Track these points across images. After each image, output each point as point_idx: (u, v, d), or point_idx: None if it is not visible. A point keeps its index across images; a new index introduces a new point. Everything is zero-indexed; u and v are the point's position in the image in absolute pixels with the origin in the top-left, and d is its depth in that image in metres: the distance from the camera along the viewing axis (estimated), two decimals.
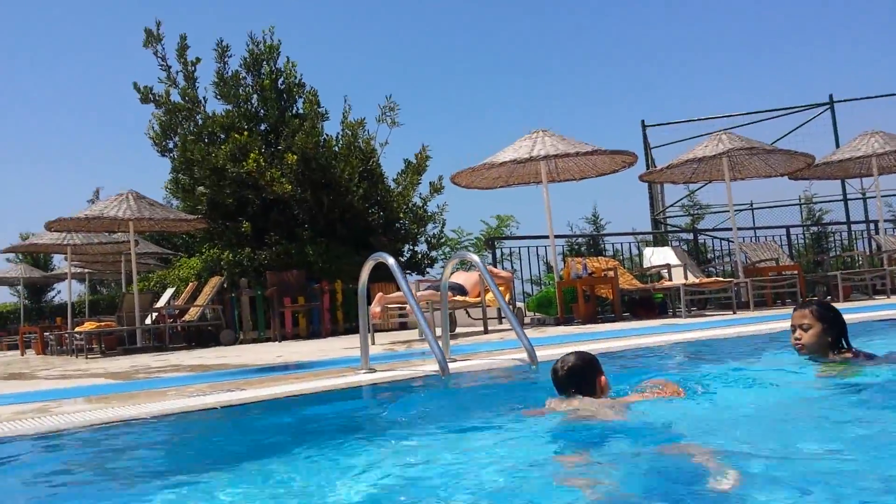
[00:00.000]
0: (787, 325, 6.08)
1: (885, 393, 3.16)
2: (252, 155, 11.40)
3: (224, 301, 12.03)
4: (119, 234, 14.57)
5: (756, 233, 15.63)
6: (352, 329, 12.12)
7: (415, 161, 12.71)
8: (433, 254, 13.19)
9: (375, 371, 4.64)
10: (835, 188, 18.63)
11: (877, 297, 10.87)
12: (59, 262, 27.78)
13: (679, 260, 10.97)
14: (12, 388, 5.84)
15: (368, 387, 4.17)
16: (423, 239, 12.96)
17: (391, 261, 4.55)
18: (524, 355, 4.82)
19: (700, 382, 3.71)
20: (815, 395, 3.32)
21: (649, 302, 10.58)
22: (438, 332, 9.10)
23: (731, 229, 13.46)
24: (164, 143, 13.29)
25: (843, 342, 3.67)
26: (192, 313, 11.93)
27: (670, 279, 10.27)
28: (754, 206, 20.65)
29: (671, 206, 20.79)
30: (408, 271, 12.99)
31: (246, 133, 11.65)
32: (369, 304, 8.59)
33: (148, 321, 12.63)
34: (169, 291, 13.03)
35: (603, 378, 3.00)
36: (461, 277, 9.36)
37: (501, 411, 3.33)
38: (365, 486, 2.17)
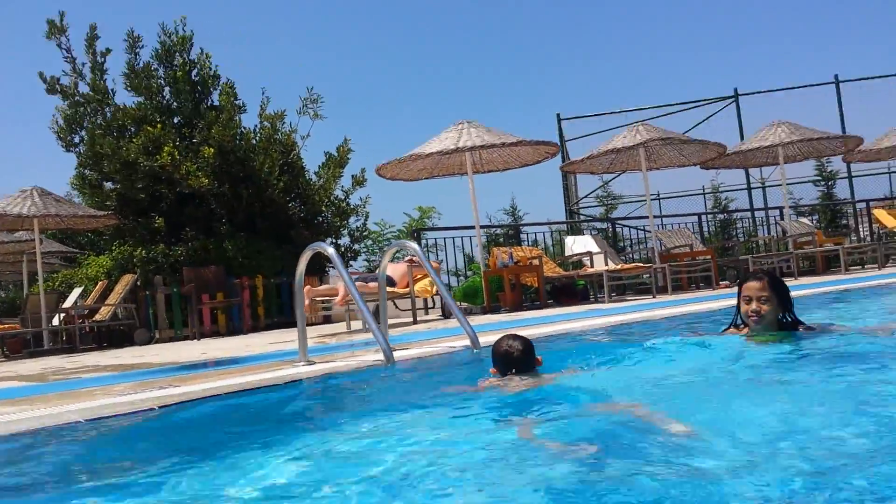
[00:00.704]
0: (703, 307, 6.32)
1: (825, 358, 3.31)
2: (166, 148, 10.97)
3: (138, 299, 11.56)
4: (21, 232, 13.79)
5: (663, 221, 16.15)
6: (273, 325, 11.86)
7: (336, 154, 12.52)
8: (356, 247, 13.04)
9: (315, 363, 4.54)
10: (738, 178, 19.52)
11: (785, 279, 11.43)
12: None
13: (599, 248, 11.24)
14: None
15: (312, 378, 4.07)
16: (345, 232, 12.79)
17: (331, 251, 4.46)
18: (463, 342, 4.85)
19: (630, 358, 3.87)
20: (756, 362, 3.44)
21: (571, 289, 10.80)
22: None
23: (645, 217, 13.90)
24: (69, 137, 12.62)
25: (790, 314, 3.78)
26: (104, 313, 11.41)
27: (592, 266, 10.50)
28: (661, 196, 21.45)
29: (585, 196, 21.28)
30: (329, 265, 12.78)
31: (159, 126, 11.19)
32: None
33: (55, 322, 12.02)
34: (76, 291, 12.42)
35: (539, 358, 3.20)
36: (389, 269, 9.29)
37: (448, 393, 3.36)
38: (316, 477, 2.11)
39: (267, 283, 11.85)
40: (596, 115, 19.82)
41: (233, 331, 11.50)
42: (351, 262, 12.98)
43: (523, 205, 20.24)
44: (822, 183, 19.57)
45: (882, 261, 11.56)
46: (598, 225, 19.24)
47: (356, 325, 9.50)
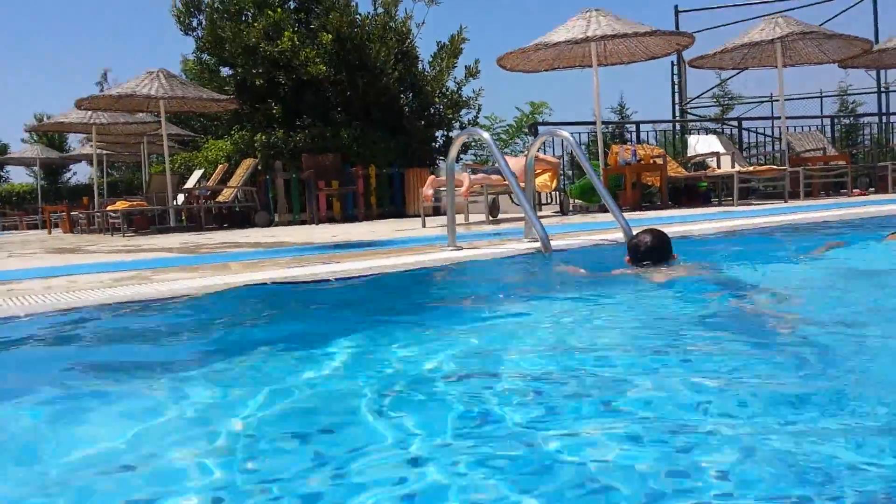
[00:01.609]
0: (841, 213, 6.06)
1: None
2: (286, 33, 10.94)
3: (258, 183, 11.87)
4: (141, 114, 14.24)
5: (789, 123, 15.21)
6: (385, 214, 12.03)
7: (449, 44, 12.22)
8: (468, 140, 12.90)
9: (463, 249, 4.56)
10: (865, 81, 18.13)
11: None
12: (73, 143, 27.45)
13: (725, 149, 10.75)
14: (77, 259, 5.77)
15: (476, 261, 4.10)
16: (457, 125, 12.64)
17: (486, 135, 4.39)
18: (602, 236, 4.82)
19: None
20: None
21: (694, 190, 10.44)
22: (460, 217, 9.05)
23: (772, 118, 13.17)
24: (188, 20, 12.75)
25: None
26: (226, 195, 11.80)
27: (719, 167, 10.08)
28: (785, 97, 20.20)
29: (699, 96, 20.29)
30: (440, 157, 12.76)
31: (280, 10, 11.14)
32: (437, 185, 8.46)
33: (177, 202, 12.53)
34: (197, 173, 12.83)
35: (675, 255, 3.35)
36: (510, 161, 9.17)
37: (593, 279, 3.53)
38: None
39: (380, 172, 11.95)
40: (717, 7, 18.61)
41: (347, 218, 11.74)
42: (462, 156, 12.91)
43: (631, 103, 19.51)
44: None
45: None
46: (710, 125, 18.40)
47: (474, 217, 9.53)
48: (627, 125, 13.26)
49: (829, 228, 5.72)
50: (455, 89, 12.34)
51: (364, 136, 11.67)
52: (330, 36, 11.08)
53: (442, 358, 2.04)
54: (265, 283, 3.35)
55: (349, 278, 3.59)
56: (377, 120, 11.88)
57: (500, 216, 9.67)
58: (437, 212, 12.48)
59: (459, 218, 9.87)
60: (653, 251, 3.29)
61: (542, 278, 3.81)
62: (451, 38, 12.17)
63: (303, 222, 11.42)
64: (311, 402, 1.70)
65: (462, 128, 12.63)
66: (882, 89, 17.53)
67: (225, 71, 13.32)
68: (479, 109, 12.60)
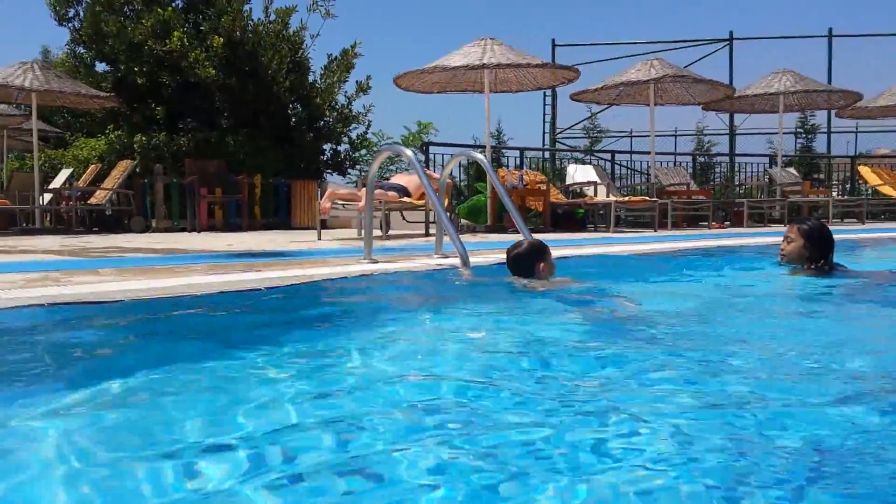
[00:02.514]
0: (706, 243, 6.82)
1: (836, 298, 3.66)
2: (176, 33, 10.62)
3: (134, 187, 11.37)
4: (3, 105, 13.26)
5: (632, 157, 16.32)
6: (269, 225, 11.84)
7: (342, 57, 12.28)
8: (355, 154, 12.97)
9: (379, 262, 4.67)
10: (717, 122, 19.81)
11: (771, 225, 11.85)
12: None
13: (600, 179, 11.43)
14: None
15: (397, 274, 4.22)
16: (346, 139, 12.68)
17: (409, 153, 4.53)
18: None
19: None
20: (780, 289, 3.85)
21: (572, 216, 11.03)
22: (353, 232, 9.13)
23: (641, 153, 14.14)
24: (64, 10, 12.08)
25: (825, 260, 4.10)
26: (100, 197, 11.22)
27: (596, 196, 10.71)
28: (638, 133, 21.85)
29: (571, 127, 21.42)
30: (328, 171, 12.75)
31: (170, 9, 10.81)
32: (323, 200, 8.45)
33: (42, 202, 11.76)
34: (65, 172, 12.11)
35: (541, 264, 3.66)
36: (403, 179, 9.34)
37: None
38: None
39: (266, 182, 11.77)
40: (591, 44, 19.80)
41: (229, 227, 11.46)
42: (349, 171, 12.95)
43: (506, 129, 20.27)
44: (804, 135, 20.06)
45: (864, 216, 12.06)
46: (582, 156, 19.44)
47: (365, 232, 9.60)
48: (510, 151, 13.77)
49: (708, 256, 6.30)
50: (345, 103, 12.39)
51: (251, 144, 11.48)
52: (221, 39, 10.86)
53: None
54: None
55: (274, 288, 3.62)
56: (265, 128, 11.72)
57: (391, 232, 9.80)
58: (323, 225, 12.43)
59: (353, 233, 9.93)
60: (516, 262, 3.72)
61: (463, 292, 3.99)
62: (343, 52, 12.23)
63: (182, 230, 11.05)
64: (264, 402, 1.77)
65: (351, 142, 12.69)
66: (732, 132, 19.23)
67: (101, 66, 12.69)
68: (369, 125, 12.73)
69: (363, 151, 13.73)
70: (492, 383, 1.94)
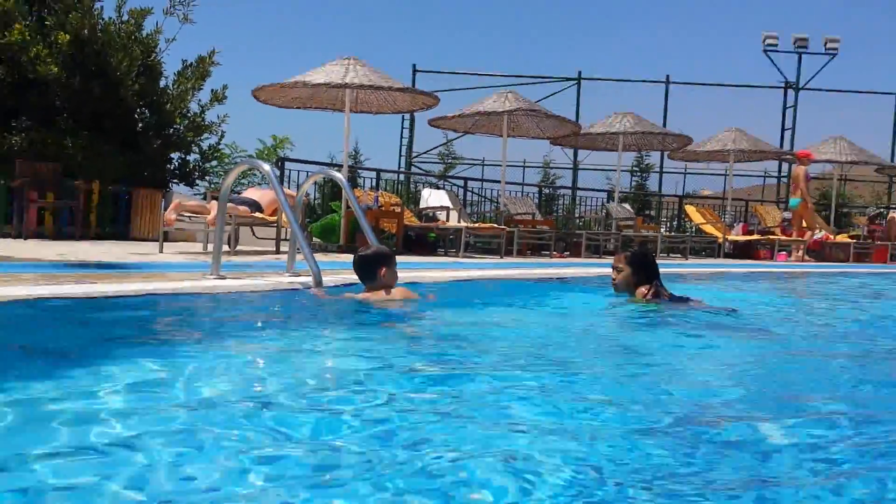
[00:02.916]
0: (551, 272, 7.30)
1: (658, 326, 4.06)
2: (17, 26, 9.87)
3: None
4: None
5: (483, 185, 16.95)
6: (105, 235, 11.16)
7: (197, 64, 11.86)
8: (206, 165, 12.52)
9: (227, 279, 4.58)
10: (562, 157, 20.94)
11: (605, 256, 12.64)
12: None
13: (453, 204, 11.76)
14: None
15: (240, 291, 4.15)
16: (196, 149, 12.23)
17: (266, 167, 4.49)
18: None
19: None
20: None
21: (424, 240, 11.24)
22: (199, 246, 8.84)
23: (493, 181, 14.64)
24: None
25: (653, 283, 4.49)
26: None
27: (448, 221, 10.99)
28: (490, 162, 22.75)
29: (427, 151, 21.87)
30: (175, 181, 12.22)
31: (12, 0, 10.01)
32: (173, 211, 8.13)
33: None
34: None
35: (384, 269, 3.91)
36: (256, 193, 9.18)
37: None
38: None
39: (104, 189, 11.12)
40: (450, 72, 20.35)
41: (60, 235, 10.71)
42: (197, 182, 12.48)
43: (362, 150, 20.39)
44: (639, 174, 21.60)
45: (688, 252, 13.14)
46: (432, 180, 19.88)
47: (211, 247, 9.30)
48: (366, 172, 13.85)
49: (549, 283, 6.65)
50: (198, 112, 11.97)
51: (92, 148, 10.82)
52: (67, 37, 10.20)
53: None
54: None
55: (110, 299, 3.49)
56: (109, 132, 11.09)
57: (239, 248, 9.55)
58: (166, 238, 11.89)
59: (198, 246, 9.59)
60: (361, 264, 3.99)
61: (311, 311, 4.00)
62: (199, 59, 11.83)
63: (6, 235, 10.22)
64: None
65: (202, 153, 12.26)
66: (576, 166, 20.37)
67: None
68: (222, 136, 12.35)
69: (214, 163, 13.29)
70: (319, 407, 1.98)
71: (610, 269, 4.75)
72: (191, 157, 12.35)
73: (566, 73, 20.11)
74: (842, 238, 14.74)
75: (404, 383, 2.31)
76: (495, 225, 10.67)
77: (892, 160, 17.78)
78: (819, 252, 13.88)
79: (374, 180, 13.54)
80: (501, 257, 10.32)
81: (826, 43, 18.84)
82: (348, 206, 10.31)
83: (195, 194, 12.24)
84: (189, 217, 8.19)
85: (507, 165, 12.40)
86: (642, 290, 4.41)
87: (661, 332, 3.88)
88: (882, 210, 18.82)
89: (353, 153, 19.06)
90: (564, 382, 2.48)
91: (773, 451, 1.78)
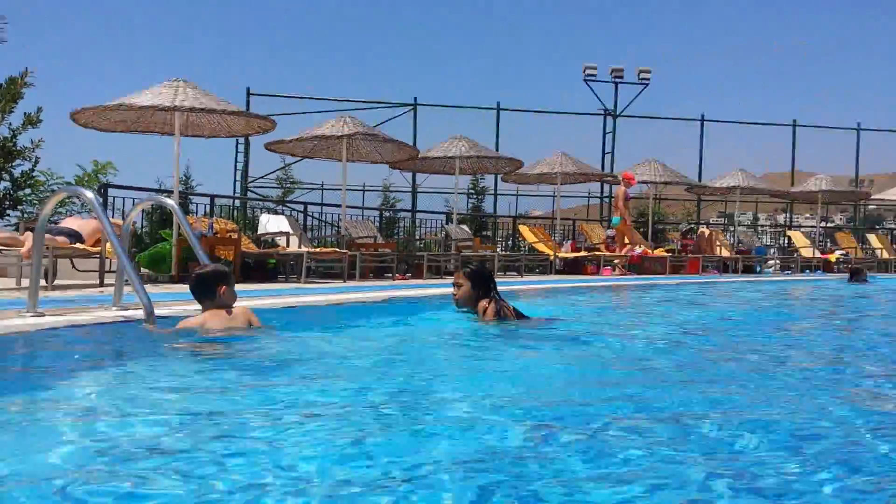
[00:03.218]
0: (393, 293, 7.46)
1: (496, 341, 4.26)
2: None
3: None
4: None
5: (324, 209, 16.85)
6: None
7: (7, 85, 10.93)
8: (18, 194, 11.50)
9: (46, 315, 4.26)
10: (401, 180, 21.25)
11: (446, 277, 12.92)
12: None
13: (293, 229, 11.58)
14: None
15: (64, 328, 3.87)
16: (7, 176, 11.23)
17: (90, 195, 4.22)
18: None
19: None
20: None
21: (264, 267, 10.96)
22: (25, 282, 8.15)
23: (333, 205, 14.57)
24: None
25: (493, 296, 4.68)
26: None
27: (288, 246, 10.80)
28: (327, 186, 22.68)
29: (264, 176, 21.40)
30: None
31: None
32: None
33: None
34: None
35: (223, 287, 3.88)
36: (76, 223, 8.57)
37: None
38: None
39: None
40: (286, 96, 20.10)
41: None
42: (9, 212, 11.45)
43: (195, 175, 19.60)
44: (475, 196, 22.32)
45: (522, 270, 13.71)
46: (270, 205, 19.48)
47: (25, 282, 8.56)
48: (199, 198, 13.34)
49: (393, 305, 6.70)
50: (9, 136, 11.02)
51: None
52: None
53: None
54: None
55: None
56: None
57: (57, 282, 8.85)
58: None
59: (9, 282, 8.77)
60: (200, 282, 3.92)
61: (140, 347, 3.80)
62: (10, 80, 10.91)
63: None
64: None
65: (13, 180, 11.28)
66: (415, 190, 20.72)
67: None
68: (37, 162, 11.44)
69: (27, 191, 12.27)
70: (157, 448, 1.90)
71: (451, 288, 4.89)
72: (0, 185, 11.35)
73: (403, 98, 20.47)
74: (659, 252, 15.96)
75: (245, 412, 2.26)
76: (337, 249, 10.62)
77: (699, 180, 19.51)
78: (639, 266, 14.95)
79: (208, 206, 13.06)
80: (344, 281, 10.27)
81: (639, 73, 20.45)
82: (180, 234, 9.87)
83: (6, 225, 11.22)
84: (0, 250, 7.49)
85: (348, 189, 12.38)
86: (483, 303, 4.57)
87: (500, 348, 4.03)
88: (693, 226, 20.63)
89: (185, 178, 18.28)
90: (407, 402, 2.51)
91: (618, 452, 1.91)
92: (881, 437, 2.14)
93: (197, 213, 12.56)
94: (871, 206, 25.57)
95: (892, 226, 26.22)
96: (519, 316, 4.68)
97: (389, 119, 20.17)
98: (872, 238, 20.30)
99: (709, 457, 1.88)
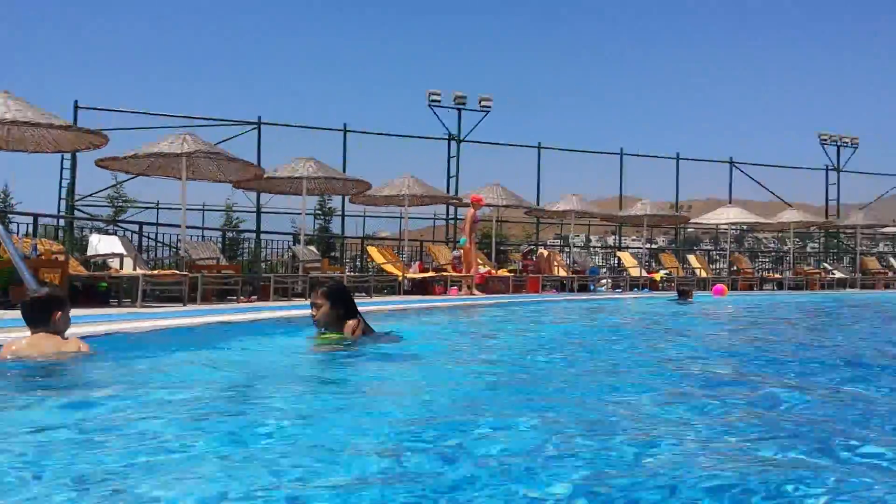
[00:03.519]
0: (237, 317, 7.33)
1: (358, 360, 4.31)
2: None
3: None
4: None
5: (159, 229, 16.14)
6: None
7: None
8: None
9: None
10: (244, 199, 20.67)
11: (294, 299, 12.69)
12: None
13: (127, 251, 10.94)
14: None
15: None
16: None
17: None
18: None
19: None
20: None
21: (94, 290, 10.27)
22: None
23: (172, 225, 13.94)
24: None
25: (359, 317, 4.69)
26: None
27: (121, 268, 10.20)
28: (165, 206, 21.74)
29: (93, 194, 20.10)
30: None
31: None
32: None
33: None
34: None
35: (58, 313, 3.74)
36: None
37: None
38: None
39: None
40: (119, 110, 19.07)
41: None
42: None
43: (15, 193, 18.09)
44: (322, 217, 22.12)
45: (371, 291, 13.73)
46: (101, 225, 18.31)
47: None
48: (20, 217, 12.31)
49: (237, 328, 6.50)
50: None
51: None
52: None
53: None
54: None
55: None
56: None
57: None
58: None
59: None
60: (34, 307, 3.73)
61: None
62: None
63: None
64: None
65: None
66: (259, 210, 20.21)
67: None
68: None
69: None
70: None
71: (307, 310, 4.82)
72: None
73: (246, 116, 19.98)
74: (502, 272, 16.53)
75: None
76: (176, 271, 10.15)
77: (538, 203, 20.45)
78: (484, 285, 15.41)
79: (31, 226, 12.08)
80: (185, 305, 9.83)
81: (480, 101, 21.18)
82: (1, 256, 9.06)
83: None
84: None
85: (187, 209, 11.88)
86: (351, 324, 4.54)
87: (356, 366, 4.04)
88: (532, 247, 21.55)
89: (2, 196, 16.83)
90: (255, 427, 2.47)
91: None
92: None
93: (18, 234, 11.56)
94: (689, 229, 27.89)
95: (709, 247, 28.71)
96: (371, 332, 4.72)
97: (232, 137, 19.60)
98: (692, 258, 22.13)
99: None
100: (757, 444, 2.31)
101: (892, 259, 25.61)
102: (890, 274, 23.49)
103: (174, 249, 13.79)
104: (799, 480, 1.83)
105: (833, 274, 22.58)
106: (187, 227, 12.74)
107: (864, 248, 26.98)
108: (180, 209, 11.79)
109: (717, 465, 2.03)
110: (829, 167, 26.22)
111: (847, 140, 25.72)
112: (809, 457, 2.11)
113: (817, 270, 22.97)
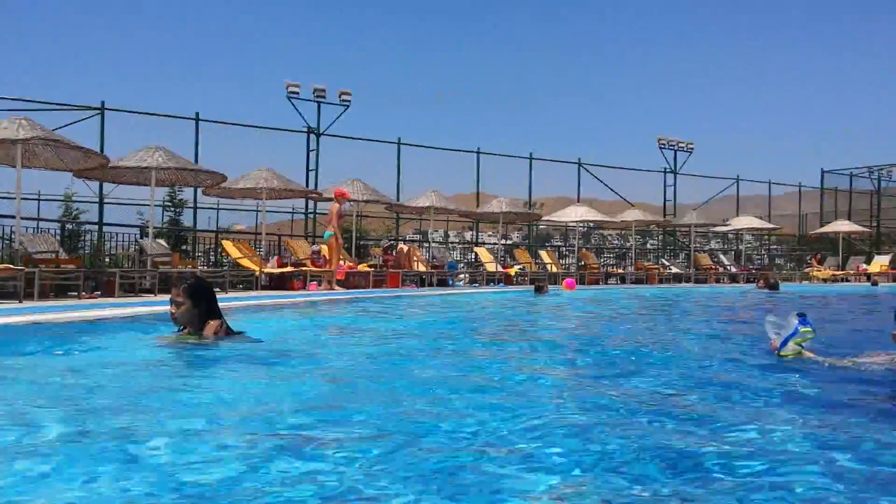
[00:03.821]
0: (79, 314, 7.03)
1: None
2: None
3: None
4: None
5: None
6: None
7: None
8: None
9: None
10: (85, 189, 19.44)
11: (142, 294, 12.10)
12: None
13: None
14: None
15: None
16: None
17: None
18: None
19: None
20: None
21: None
22: None
23: (9, 217, 12.91)
24: None
25: (215, 313, 4.57)
26: None
27: None
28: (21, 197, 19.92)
29: None
30: None
31: None
32: None
33: None
34: None
35: None
36: None
37: None
38: None
39: None
40: None
41: None
42: None
43: None
44: (172, 209, 21.12)
45: (227, 286, 13.34)
46: None
47: None
48: None
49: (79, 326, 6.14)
50: None
51: None
52: None
53: None
54: None
55: None
56: None
57: None
58: None
59: None
60: None
61: None
62: None
63: None
64: None
65: None
66: (102, 200, 19.03)
67: None
68: None
69: None
70: None
71: (154, 307, 4.65)
72: None
73: (89, 101, 18.76)
74: (363, 267, 16.54)
75: None
76: (11, 266, 9.43)
77: (398, 199, 20.60)
78: (344, 281, 15.36)
79: None
80: (21, 301, 9.16)
81: (340, 95, 21.02)
82: None
83: None
84: None
85: (22, 199, 11.02)
86: (213, 324, 4.41)
87: (212, 366, 3.96)
88: (393, 242, 21.68)
89: None
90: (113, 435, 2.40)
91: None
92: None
93: None
94: (542, 226, 29.03)
95: (559, 243, 30.06)
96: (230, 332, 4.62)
97: (72, 123, 18.33)
98: (543, 254, 23.08)
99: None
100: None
101: (721, 256, 27.92)
102: (721, 270, 25.58)
103: (7, 242, 12.75)
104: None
105: (670, 269, 24.31)
106: (22, 219, 11.84)
107: (698, 245, 29.18)
108: (14, 199, 10.94)
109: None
110: (668, 170, 28.20)
111: (683, 144, 27.72)
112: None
113: (656, 266, 24.65)
